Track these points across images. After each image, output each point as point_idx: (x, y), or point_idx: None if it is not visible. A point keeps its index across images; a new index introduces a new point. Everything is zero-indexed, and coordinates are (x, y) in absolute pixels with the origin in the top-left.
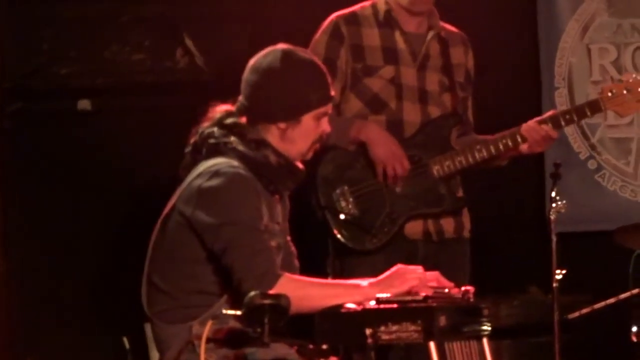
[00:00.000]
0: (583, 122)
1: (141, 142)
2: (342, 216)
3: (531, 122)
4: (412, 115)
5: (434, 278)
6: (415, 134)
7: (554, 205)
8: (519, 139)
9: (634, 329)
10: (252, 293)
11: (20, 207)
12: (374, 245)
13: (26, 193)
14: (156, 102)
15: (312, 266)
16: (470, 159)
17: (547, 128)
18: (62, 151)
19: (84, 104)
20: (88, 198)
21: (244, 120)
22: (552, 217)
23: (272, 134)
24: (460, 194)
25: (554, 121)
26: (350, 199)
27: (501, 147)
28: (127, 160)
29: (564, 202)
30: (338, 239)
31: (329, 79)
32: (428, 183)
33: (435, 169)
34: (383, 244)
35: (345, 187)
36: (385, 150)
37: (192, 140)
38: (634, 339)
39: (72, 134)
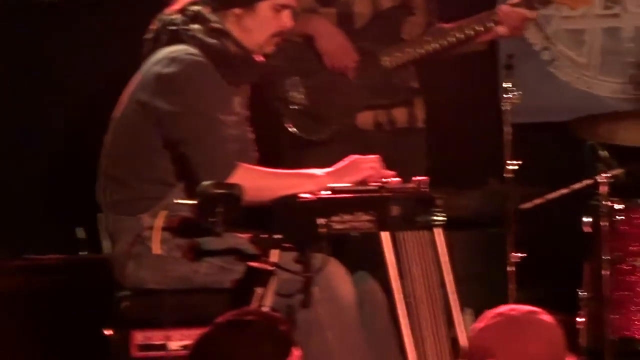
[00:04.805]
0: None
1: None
2: (294, 106)
3: (505, 7)
4: (362, 6)
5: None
6: (366, 25)
7: (507, 96)
8: (493, 24)
9: (585, 219)
10: (206, 182)
11: None
12: (326, 136)
13: None
14: None
15: (268, 156)
16: (420, 50)
17: (524, 10)
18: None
19: None
20: (45, 88)
21: (207, 9)
22: (506, 108)
23: (230, 22)
24: (413, 84)
25: (527, 3)
26: (302, 90)
27: (463, 36)
28: (85, 52)
29: (518, 93)
30: (290, 130)
31: None
32: (379, 74)
33: (386, 60)
34: (335, 135)
35: (297, 78)
36: (332, 42)
37: (153, 27)
38: (586, 229)
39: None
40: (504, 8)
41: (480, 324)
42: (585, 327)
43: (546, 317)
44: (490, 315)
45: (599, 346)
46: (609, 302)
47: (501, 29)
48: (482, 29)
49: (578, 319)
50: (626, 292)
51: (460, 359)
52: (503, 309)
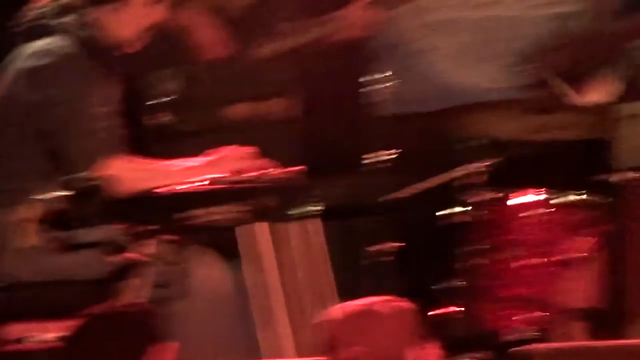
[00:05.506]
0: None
1: None
2: (168, 98)
3: (355, 6)
4: None
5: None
6: (241, 16)
7: (381, 86)
8: (346, 22)
9: (459, 209)
10: (78, 174)
11: None
12: (201, 127)
13: None
14: None
15: (141, 148)
16: (295, 41)
17: (374, 11)
18: None
19: None
20: None
21: (81, 1)
22: (379, 98)
23: (104, 15)
24: (289, 75)
25: (382, 3)
26: (177, 81)
27: (327, 30)
28: None
29: (393, 83)
30: (162, 120)
31: None
32: (255, 65)
33: (261, 51)
34: (211, 125)
35: (172, 69)
36: (207, 33)
37: (23, 20)
38: (460, 219)
39: None
40: (354, 8)
41: (335, 314)
42: (456, 316)
43: (400, 306)
44: (345, 306)
45: (469, 335)
46: (480, 292)
47: (351, 30)
48: (336, 27)
49: (449, 309)
50: (497, 282)
51: (320, 350)
52: (358, 300)
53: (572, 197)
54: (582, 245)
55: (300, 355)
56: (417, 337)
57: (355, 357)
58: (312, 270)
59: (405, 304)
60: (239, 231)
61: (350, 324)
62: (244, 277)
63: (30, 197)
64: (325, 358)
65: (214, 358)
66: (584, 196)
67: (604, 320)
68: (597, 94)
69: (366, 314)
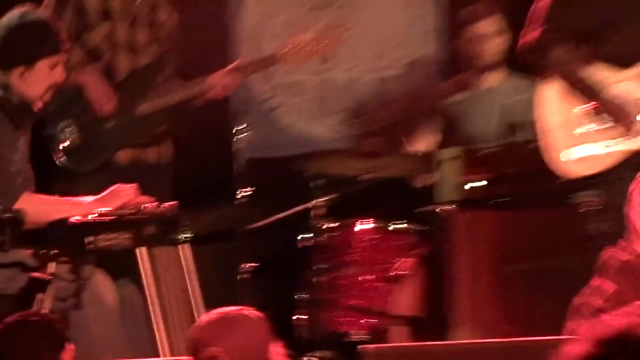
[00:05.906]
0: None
1: None
2: (64, 144)
3: (216, 74)
4: (122, 63)
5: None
6: (126, 77)
7: (240, 136)
8: (211, 85)
9: (306, 235)
10: None
11: None
12: (92, 168)
13: None
14: None
15: (45, 185)
16: (169, 101)
17: (233, 76)
18: None
19: None
20: None
21: None
22: (238, 146)
23: (15, 77)
24: (163, 127)
25: (239, 70)
26: (73, 130)
27: (195, 91)
28: None
29: (249, 133)
30: (58, 163)
31: (60, 34)
32: (136, 118)
33: (141, 107)
34: (100, 168)
35: (69, 120)
36: (98, 91)
37: None
38: (306, 243)
39: None
40: (216, 75)
41: (200, 322)
42: (303, 323)
43: (252, 314)
44: (208, 314)
45: (313, 338)
46: (322, 303)
47: (214, 91)
48: (202, 89)
49: (297, 317)
50: (336, 295)
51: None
52: (218, 309)
53: (399, 225)
54: (407, 264)
55: (173, 355)
56: (266, 339)
57: (212, 355)
58: (183, 286)
59: (255, 311)
60: (127, 253)
61: (209, 328)
62: (133, 291)
63: None
64: (191, 358)
65: (104, 356)
66: (409, 224)
67: (424, 325)
68: (421, 142)
69: (222, 320)
